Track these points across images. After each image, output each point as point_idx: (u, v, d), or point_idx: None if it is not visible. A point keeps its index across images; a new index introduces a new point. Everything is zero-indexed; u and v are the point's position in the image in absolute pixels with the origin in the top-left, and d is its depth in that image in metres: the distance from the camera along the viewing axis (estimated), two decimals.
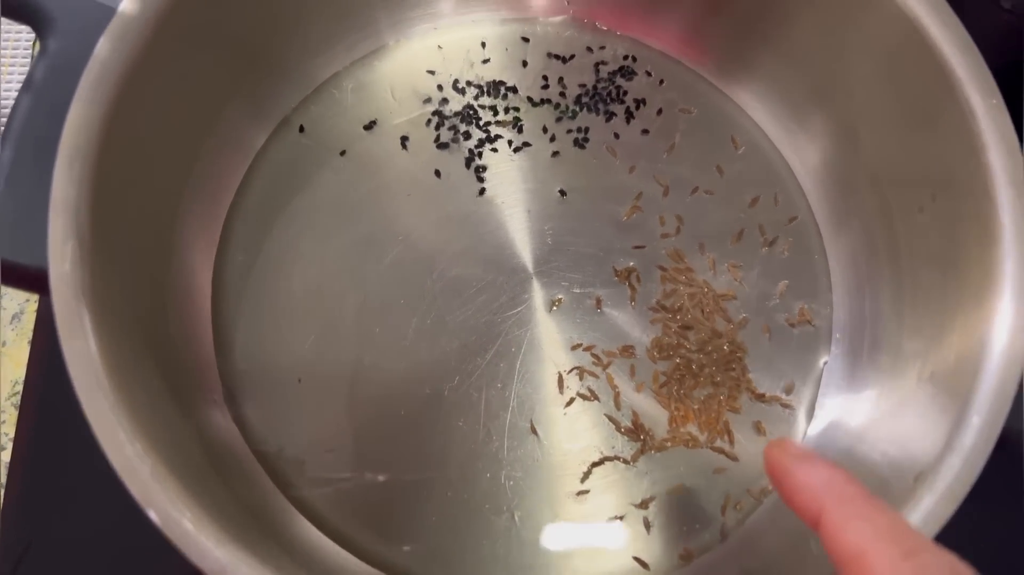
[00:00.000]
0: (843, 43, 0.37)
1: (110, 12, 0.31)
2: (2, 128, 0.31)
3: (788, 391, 0.38)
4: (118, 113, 0.29)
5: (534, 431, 0.37)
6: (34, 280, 0.29)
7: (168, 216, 0.35)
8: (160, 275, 0.34)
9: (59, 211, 0.28)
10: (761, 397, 0.38)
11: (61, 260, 0.27)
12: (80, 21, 0.32)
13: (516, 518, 0.35)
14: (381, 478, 0.35)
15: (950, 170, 0.33)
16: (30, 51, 0.48)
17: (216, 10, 0.34)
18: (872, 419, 0.35)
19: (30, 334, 0.42)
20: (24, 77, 0.46)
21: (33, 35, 0.48)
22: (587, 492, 0.36)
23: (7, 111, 0.47)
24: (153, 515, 0.25)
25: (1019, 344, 0.28)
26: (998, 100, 0.31)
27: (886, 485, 0.30)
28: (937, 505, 0.27)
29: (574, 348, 0.38)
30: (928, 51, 0.33)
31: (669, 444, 0.37)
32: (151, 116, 0.32)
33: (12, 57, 0.48)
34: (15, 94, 0.47)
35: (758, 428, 0.38)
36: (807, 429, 0.38)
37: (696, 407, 0.38)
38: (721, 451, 0.37)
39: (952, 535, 0.26)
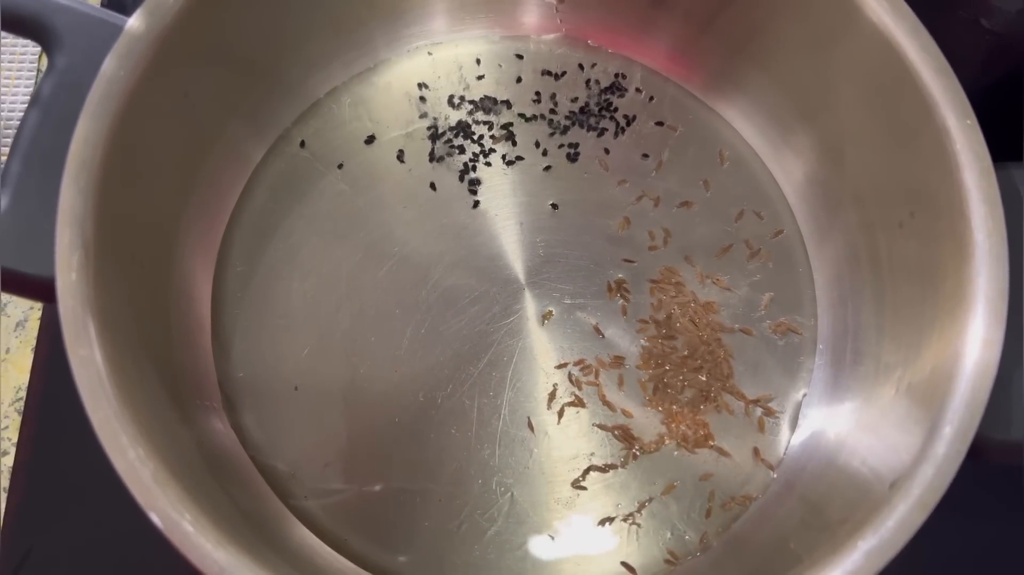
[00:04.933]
0: (828, 64, 0.38)
1: (117, 30, 0.32)
2: (10, 142, 0.32)
3: (773, 399, 0.39)
4: (123, 128, 0.30)
5: (531, 427, 0.38)
6: (40, 289, 0.30)
7: (170, 227, 0.36)
8: (161, 284, 0.35)
9: (66, 222, 0.29)
10: (746, 400, 0.39)
11: (68, 270, 0.28)
12: (87, 38, 0.33)
13: (507, 524, 0.36)
14: (376, 485, 0.36)
15: (928, 188, 0.34)
16: (36, 64, 0.49)
17: (219, 29, 0.35)
18: (853, 428, 0.36)
19: (34, 341, 0.43)
20: (28, 90, 0.47)
21: (38, 49, 0.49)
22: (576, 498, 0.37)
23: (11, 123, 0.48)
24: (155, 517, 0.26)
25: (990, 357, 0.29)
26: (972, 121, 0.32)
27: (865, 493, 0.31)
28: (910, 512, 0.28)
29: (564, 361, 0.39)
30: (907, 73, 0.34)
31: (664, 443, 0.38)
32: (155, 131, 0.33)
33: (19, 70, 0.49)
34: (19, 106, 0.48)
35: (759, 425, 0.39)
36: (791, 437, 0.39)
37: (684, 408, 0.39)
38: (717, 450, 0.38)
39: (926, 542, 0.27)
